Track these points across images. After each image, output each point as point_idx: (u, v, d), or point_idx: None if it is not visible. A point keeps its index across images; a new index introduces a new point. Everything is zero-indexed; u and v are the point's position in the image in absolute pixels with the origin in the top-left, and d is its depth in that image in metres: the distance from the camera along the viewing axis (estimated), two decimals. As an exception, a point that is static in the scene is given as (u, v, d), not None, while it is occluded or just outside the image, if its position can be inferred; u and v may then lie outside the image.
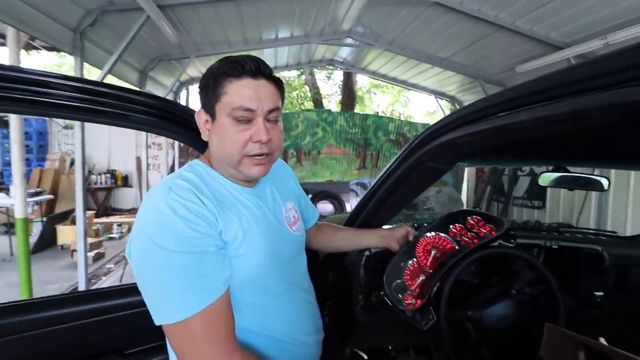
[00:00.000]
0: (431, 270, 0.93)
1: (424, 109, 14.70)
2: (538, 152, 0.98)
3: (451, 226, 0.97)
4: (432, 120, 12.44)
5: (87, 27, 2.89)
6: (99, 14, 2.88)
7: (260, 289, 0.71)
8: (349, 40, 5.46)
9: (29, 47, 3.54)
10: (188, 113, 0.90)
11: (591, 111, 0.44)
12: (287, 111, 7.80)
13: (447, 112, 7.72)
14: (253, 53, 4.49)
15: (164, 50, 4.30)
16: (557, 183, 1.16)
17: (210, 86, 0.66)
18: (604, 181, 1.16)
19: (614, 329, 1.22)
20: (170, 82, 5.32)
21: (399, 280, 0.94)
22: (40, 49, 3.88)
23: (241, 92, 0.64)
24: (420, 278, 0.93)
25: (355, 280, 1.11)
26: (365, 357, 1.28)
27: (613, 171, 3.19)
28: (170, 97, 5.63)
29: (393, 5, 3.97)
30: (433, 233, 0.96)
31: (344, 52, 6.41)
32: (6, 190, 5.80)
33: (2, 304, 0.86)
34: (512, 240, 0.91)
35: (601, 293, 1.06)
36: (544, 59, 3.90)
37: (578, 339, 0.65)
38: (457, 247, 0.94)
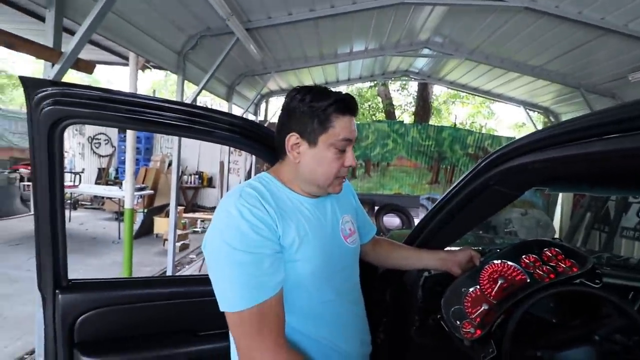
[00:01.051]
0: (495, 301, 0.86)
1: (511, 121, 13.40)
2: (632, 181, 0.85)
3: (524, 256, 0.89)
4: (521, 133, 11.23)
5: (188, 50, 3.38)
6: (198, 38, 3.34)
7: (310, 294, 0.76)
8: (425, 51, 5.31)
9: (144, 67, 4.26)
10: (264, 132, 1.03)
11: None
12: (358, 122, 7.87)
13: (540, 125, 6.91)
14: (328, 67, 4.69)
15: (249, 67, 4.75)
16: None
17: (317, 118, 0.75)
18: None
19: None
20: (253, 95, 5.83)
21: (458, 306, 0.89)
22: (151, 69, 4.63)
23: (345, 126, 0.76)
24: (483, 307, 0.87)
25: (412, 300, 1.09)
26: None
27: None
28: (251, 108, 6.17)
29: (476, 13, 3.75)
30: (501, 261, 0.89)
31: (420, 63, 6.24)
32: (120, 184, 7.01)
33: (108, 279, 1.06)
34: (597, 281, 0.79)
35: None
36: (668, 64, 3.27)
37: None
38: (528, 280, 0.86)
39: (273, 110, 7.74)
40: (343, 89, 9.46)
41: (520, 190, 0.77)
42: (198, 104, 4.49)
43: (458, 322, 0.85)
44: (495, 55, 4.74)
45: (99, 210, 7.48)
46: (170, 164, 7.83)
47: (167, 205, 5.84)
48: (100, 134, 8.41)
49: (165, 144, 8.59)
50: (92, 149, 8.45)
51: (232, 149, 6.64)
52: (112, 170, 8.39)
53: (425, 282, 1.05)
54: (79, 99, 0.86)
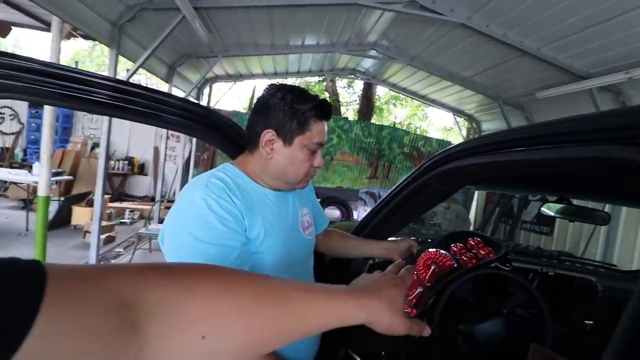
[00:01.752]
0: (429, 284, 0.99)
1: (441, 125, 14.67)
2: (544, 185, 1.04)
3: (452, 245, 1.04)
4: (448, 136, 12.41)
5: (125, 22, 3.06)
6: (138, 10, 3.05)
7: None
8: (372, 53, 5.55)
9: (69, 35, 3.74)
10: (227, 123, 1.01)
11: (591, 160, 0.50)
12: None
13: (464, 130, 7.71)
14: (279, 58, 4.64)
15: (193, 48, 4.47)
16: (560, 213, 1.21)
17: (296, 119, 0.78)
18: (606, 216, 1.20)
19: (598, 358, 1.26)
20: (196, 78, 5.50)
21: None
22: (77, 37, 4.09)
23: (321, 130, 0.81)
24: (418, 289, 0.99)
25: (357, 286, 1.18)
26: (358, 359, 1.34)
27: (624, 208, 3.17)
28: (194, 92, 5.81)
29: (419, 23, 4.05)
30: (435, 249, 1.02)
31: (367, 63, 6.50)
32: (28, 167, 6.07)
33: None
34: (508, 264, 0.97)
35: (591, 322, 1.10)
36: (565, 87, 3.90)
37: (559, 360, 0.71)
38: (455, 265, 1.00)
39: (217, 96, 7.40)
40: (292, 81, 9.39)
41: (456, 189, 0.90)
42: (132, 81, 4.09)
43: None
44: (433, 64, 5.16)
45: (0, 197, 6.42)
46: (93, 147, 7.01)
47: (89, 193, 5.25)
48: (4, 107, 7.15)
49: (88, 124, 7.66)
50: (-8, 124, 7.17)
51: (169, 133, 6.19)
52: (18, 151, 7.22)
53: (370, 269, 1.15)
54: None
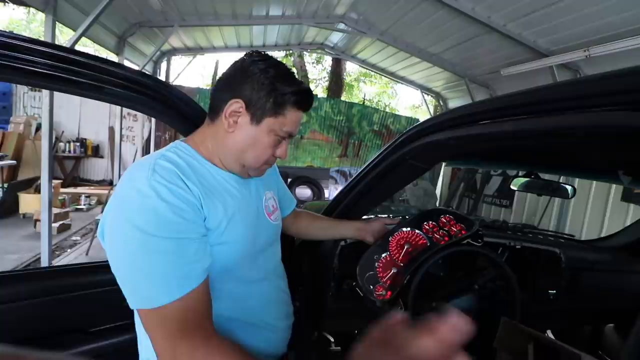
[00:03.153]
0: (402, 264, 0.96)
1: (410, 103, 14.87)
2: (514, 159, 1.03)
3: (424, 223, 1.01)
4: (416, 114, 12.61)
5: (61, -18, 2.69)
6: (75, -32, 2.67)
7: (237, 277, 0.72)
8: (341, 26, 5.37)
9: (-6, -3, 3.24)
10: (179, 96, 0.88)
11: (570, 129, 0.47)
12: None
13: (432, 108, 7.83)
14: (242, 29, 4.35)
15: (145, 16, 4.06)
16: (528, 188, 1.22)
17: (273, 99, 0.67)
18: (570, 189, 1.23)
19: (561, 324, 1.33)
20: (151, 50, 5.06)
21: (371, 272, 0.97)
22: (6, 2, 3.55)
23: (295, 120, 0.72)
24: (392, 271, 0.96)
25: (328, 269, 1.14)
26: (332, 339, 1.33)
27: (577, 180, 3.38)
28: (150, 66, 5.37)
29: (388, -5, 3.93)
30: (407, 229, 0.99)
31: (336, 38, 6.31)
32: (-36, 150, 5.42)
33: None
34: (480, 240, 0.96)
35: (554, 291, 1.14)
36: (528, 64, 4.01)
37: (528, 332, 0.71)
38: (428, 244, 0.98)
39: (177, 71, 6.91)
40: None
41: (430, 165, 0.85)
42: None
43: (371, 287, 0.93)
44: (402, 39, 5.09)
45: None
46: (39, 128, 6.35)
47: (37, 178, 4.78)
48: None
49: (31, 103, 6.91)
50: None
51: (125, 112, 5.73)
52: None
53: (342, 251, 1.10)
54: None
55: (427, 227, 1.02)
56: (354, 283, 1.00)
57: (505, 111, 0.55)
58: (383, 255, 0.99)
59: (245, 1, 4.13)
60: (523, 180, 1.24)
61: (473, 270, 1.02)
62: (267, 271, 0.80)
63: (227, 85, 0.69)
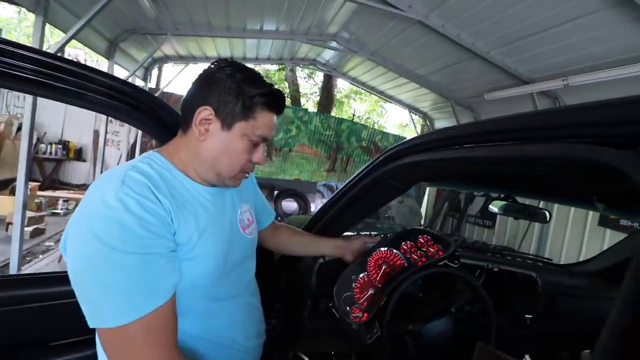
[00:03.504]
0: (380, 285, 0.95)
1: (398, 121, 15.17)
2: (491, 182, 1.05)
3: (403, 243, 1.01)
4: (404, 132, 12.85)
5: (53, -16, 2.67)
6: (69, -28, 2.67)
7: (207, 294, 0.69)
8: (333, 44, 5.49)
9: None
10: (157, 104, 0.86)
11: (543, 158, 0.48)
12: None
13: (419, 127, 8.00)
14: (235, 42, 4.39)
15: (138, 22, 4.06)
16: (505, 211, 1.24)
17: (241, 102, 0.66)
18: (547, 214, 1.26)
19: (539, 349, 1.33)
20: (143, 56, 5.04)
21: (348, 293, 0.95)
22: (-4, -1, 3.50)
23: (268, 123, 0.70)
24: (369, 292, 0.95)
25: (306, 286, 1.12)
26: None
27: (556, 205, 3.48)
28: (140, 72, 5.34)
29: (380, 17, 4.05)
30: (385, 248, 0.99)
31: (328, 55, 6.43)
32: (-64, 148, 5.19)
33: None
34: (457, 262, 0.96)
35: (531, 316, 1.15)
36: (510, 90, 4.17)
37: (504, 358, 0.71)
38: (406, 264, 0.97)
39: (168, 78, 6.88)
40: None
41: (409, 185, 0.86)
42: (65, 56, 3.63)
43: (348, 308, 0.91)
44: (392, 60, 5.24)
45: None
46: (20, 128, 6.16)
47: (14, 179, 4.61)
48: None
49: (14, 102, 6.74)
50: None
51: (112, 117, 5.63)
52: None
53: (320, 269, 1.08)
54: None
55: (405, 247, 1.02)
56: (331, 305, 0.98)
57: (479, 137, 0.56)
58: (361, 275, 0.98)
59: (239, 15, 4.18)
60: (501, 203, 1.26)
61: (450, 293, 1.02)
62: (239, 287, 0.78)
63: (195, 94, 0.69)
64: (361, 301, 0.94)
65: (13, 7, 8.21)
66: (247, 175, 0.75)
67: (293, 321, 1.13)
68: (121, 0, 3.16)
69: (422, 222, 6.50)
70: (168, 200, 0.61)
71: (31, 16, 2.80)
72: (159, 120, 0.89)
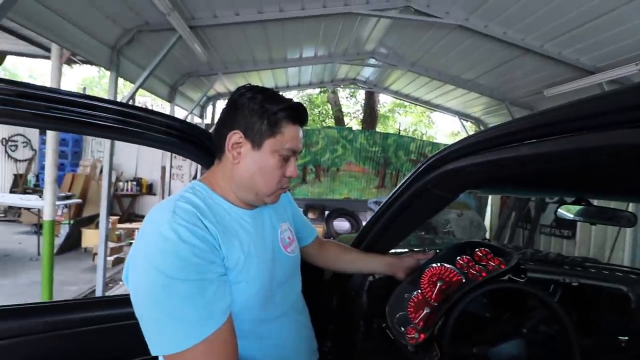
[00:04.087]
0: (436, 303, 0.88)
1: (449, 130, 14.52)
2: (556, 184, 0.93)
3: (458, 257, 0.93)
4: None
5: (123, 44, 3.10)
6: (135, 33, 3.08)
7: (256, 315, 0.71)
8: (372, 61, 5.52)
9: (70, 61, 3.82)
10: (206, 136, 0.94)
11: (616, 147, 0.40)
12: (308, 128, 7.91)
13: (472, 133, 7.56)
14: (278, 72, 4.64)
15: (193, 67, 4.51)
16: (578, 216, 1.09)
17: (267, 120, 0.70)
18: (631, 217, 1.08)
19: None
20: (198, 96, 5.55)
21: (402, 312, 0.90)
22: (80, 63, 4.18)
23: (294, 135, 0.72)
24: (425, 311, 0.89)
25: (357, 306, 1.08)
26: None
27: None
28: (197, 110, 5.87)
29: (416, 28, 4.00)
30: (439, 264, 0.92)
31: (367, 72, 6.48)
32: (40, 192, 6.18)
33: (11, 305, 0.90)
34: (523, 275, 0.86)
35: (626, 337, 0.97)
36: (574, 83, 3.78)
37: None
38: (464, 280, 0.90)
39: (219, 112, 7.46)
40: (293, 94, 9.35)
41: (455, 193, 0.80)
42: (136, 104, 4.14)
43: (402, 329, 0.86)
44: (434, 68, 5.09)
45: (14, 222, 6.51)
46: (102, 170, 7.10)
47: (98, 215, 5.27)
48: (18, 135, 7.35)
49: (97, 148, 7.80)
50: (6, 152, 7.34)
51: (175, 153, 6.23)
52: (31, 177, 7.37)
53: (370, 287, 1.05)
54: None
55: (461, 262, 0.94)
56: (384, 325, 0.93)
57: (523, 134, 0.51)
58: (414, 293, 0.92)
59: (280, 47, 4.44)
60: (571, 208, 1.12)
61: (520, 311, 0.91)
62: (285, 306, 0.78)
63: (223, 123, 0.73)
64: (416, 321, 0.88)
65: (94, 67, 9.69)
66: (284, 190, 0.76)
67: (346, 342, 1.09)
68: (178, 50, 3.55)
69: (487, 235, 5.99)
70: (214, 226, 0.64)
71: (108, 73, 3.27)
72: (205, 149, 0.97)
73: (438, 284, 0.90)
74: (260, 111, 0.69)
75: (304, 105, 0.76)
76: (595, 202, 1.24)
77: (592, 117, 0.43)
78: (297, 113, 0.72)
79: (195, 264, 0.59)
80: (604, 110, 0.42)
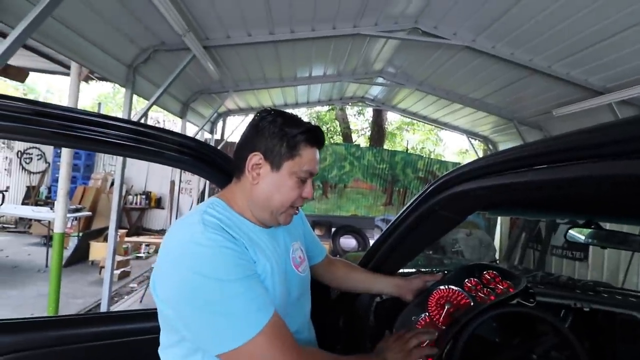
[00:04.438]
0: (444, 327, 0.87)
1: (456, 148, 14.48)
2: (566, 208, 0.93)
3: (466, 280, 0.92)
4: (464, 159, 12.17)
5: (139, 63, 3.22)
6: (151, 52, 3.20)
7: None
8: (380, 80, 5.61)
9: (87, 78, 3.97)
10: (218, 155, 0.97)
11: (630, 176, 0.40)
12: (317, 144, 7.95)
13: (480, 152, 7.53)
14: (287, 90, 4.73)
15: (205, 84, 4.64)
16: (588, 239, 1.08)
17: (286, 143, 0.73)
18: (644, 241, 1.06)
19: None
20: (209, 113, 5.68)
21: None
22: (96, 80, 4.34)
23: (312, 158, 0.75)
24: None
25: (364, 326, 1.07)
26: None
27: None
28: (208, 126, 5.98)
29: (424, 49, 4.08)
30: (446, 286, 0.91)
31: (375, 90, 6.57)
32: (51, 204, 6.29)
33: (15, 320, 0.91)
34: (532, 300, 0.84)
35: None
36: (583, 103, 3.77)
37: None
38: (472, 303, 0.88)
39: (230, 129, 7.60)
40: (302, 111, 9.48)
41: (463, 215, 0.80)
42: (149, 119, 4.25)
43: None
44: (441, 87, 5.14)
45: (24, 234, 6.62)
46: (113, 183, 7.22)
47: (106, 228, 5.32)
48: (32, 148, 7.57)
49: (109, 161, 7.97)
50: (21, 164, 7.55)
51: (184, 167, 6.33)
52: (43, 189, 7.53)
53: (377, 307, 1.03)
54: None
55: (469, 284, 0.93)
56: None
57: (535, 159, 0.51)
58: (422, 315, 0.91)
59: (290, 66, 4.55)
60: (584, 230, 1.10)
61: (530, 336, 0.88)
62: (295, 325, 0.78)
63: (244, 144, 0.76)
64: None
65: (109, 84, 10.02)
66: (297, 211, 0.79)
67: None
68: (191, 69, 3.67)
69: (497, 255, 5.85)
70: (240, 238, 0.68)
71: (122, 89, 3.38)
72: (217, 167, 0.99)
73: (446, 307, 0.89)
74: (281, 134, 0.72)
75: (320, 127, 0.79)
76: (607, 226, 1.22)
77: (605, 145, 0.43)
78: (315, 136, 0.75)
79: (238, 264, 0.63)
80: (619, 138, 0.43)
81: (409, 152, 10.06)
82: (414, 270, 1.32)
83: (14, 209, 5.75)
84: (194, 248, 0.62)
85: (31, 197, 7.23)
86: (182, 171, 6.21)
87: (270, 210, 0.75)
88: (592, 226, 1.05)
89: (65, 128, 0.80)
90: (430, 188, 0.81)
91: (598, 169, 0.44)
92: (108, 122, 0.85)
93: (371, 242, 6.49)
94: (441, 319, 0.88)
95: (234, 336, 0.60)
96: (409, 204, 0.91)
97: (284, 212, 0.76)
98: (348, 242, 6.41)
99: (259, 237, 0.74)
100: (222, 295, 0.60)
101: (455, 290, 0.90)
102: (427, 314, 0.90)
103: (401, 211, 0.94)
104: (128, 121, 0.91)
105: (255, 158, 0.73)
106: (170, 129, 1.00)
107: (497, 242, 6.34)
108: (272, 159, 0.73)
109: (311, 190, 0.77)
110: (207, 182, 6.85)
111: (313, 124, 0.77)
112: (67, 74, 3.34)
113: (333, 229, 6.44)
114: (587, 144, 0.47)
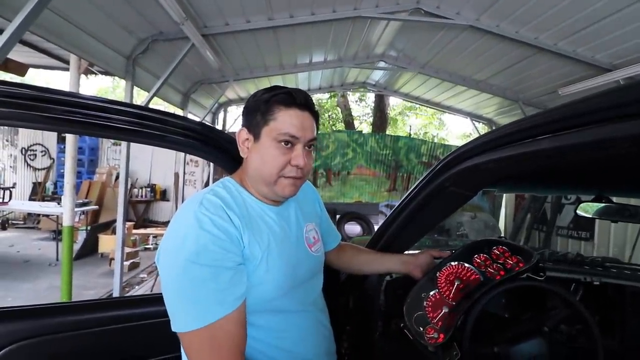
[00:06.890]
0: (454, 303, 0.88)
1: (460, 131, 14.36)
2: (576, 181, 0.92)
3: (475, 256, 0.92)
4: (468, 143, 12.06)
5: (139, 54, 3.19)
6: (150, 42, 3.17)
7: (275, 307, 0.73)
8: (381, 64, 5.53)
9: (87, 72, 3.95)
10: (225, 138, 0.97)
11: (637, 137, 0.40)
12: (319, 132, 7.93)
13: (483, 135, 7.46)
14: (288, 77, 4.68)
15: (205, 74, 4.60)
16: (599, 214, 1.07)
17: (260, 110, 0.72)
18: (655, 214, 1.05)
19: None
20: (210, 103, 5.65)
21: (420, 312, 0.89)
22: (96, 74, 4.31)
23: (289, 120, 0.71)
24: (443, 310, 0.88)
25: (374, 306, 1.08)
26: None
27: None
28: (209, 117, 5.96)
29: (426, 30, 4.00)
30: (456, 262, 0.92)
31: (377, 75, 6.49)
32: (58, 199, 6.36)
33: (34, 305, 0.93)
34: (542, 274, 0.84)
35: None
36: (590, 81, 3.70)
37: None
38: (482, 279, 0.89)
39: (232, 120, 7.57)
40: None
41: (474, 191, 0.80)
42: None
43: (421, 329, 0.85)
44: (444, 69, 5.06)
45: (33, 229, 6.71)
46: (117, 177, 7.27)
47: (114, 221, 5.39)
48: (36, 144, 7.60)
49: (113, 155, 7.99)
50: (26, 161, 7.60)
51: (188, 159, 6.35)
52: (49, 185, 7.60)
53: (387, 287, 1.05)
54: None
55: (478, 260, 0.93)
56: (402, 325, 0.93)
57: (542, 128, 0.51)
58: (432, 292, 0.91)
59: (290, 52, 4.49)
60: (593, 205, 1.10)
61: (541, 310, 0.89)
62: (306, 303, 0.79)
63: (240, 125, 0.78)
64: (435, 321, 0.87)
65: (109, 77, 9.97)
66: (296, 179, 0.74)
67: (364, 343, 1.09)
68: (190, 59, 3.63)
69: (502, 237, 5.86)
70: (238, 218, 0.68)
71: (122, 83, 3.36)
72: (223, 149, 0.99)
73: (456, 283, 0.89)
74: (256, 104, 0.73)
75: (304, 90, 0.76)
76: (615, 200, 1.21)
77: (614, 107, 0.43)
78: (287, 96, 0.71)
79: (212, 251, 0.62)
80: (627, 101, 0.42)
81: (412, 137, 10.00)
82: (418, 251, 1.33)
83: (22, 205, 5.82)
84: (180, 226, 0.64)
85: (38, 193, 7.31)
86: (186, 163, 6.22)
87: (263, 182, 0.73)
88: (602, 201, 1.04)
89: (70, 114, 0.79)
90: (440, 165, 0.80)
91: (605, 132, 0.44)
92: (113, 107, 0.84)
93: (375, 227, 6.53)
94: (451, 295, 0.89)
95: (184, 320, 0.60)
96: (418, 181, 0.91)
97: (277, 182, 0.73)
98: (353, 228, 6.44)
99: (264, 215, 0.74)
100: (186, 276, 0.60)
101: (465, 266, 0.91)
102: (437, 290, 0.90)
103: (411, 189, 0.94)
104: (133, 105, 0.91)
105: (242, 133, 0.75)
106: (174, 113, 0.99)
107: (501, 225, 6.35)
108: (254, 129, 0.73)
109: (301, 156, 0.71)
110: (211, 173, 6.87)
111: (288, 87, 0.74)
112: (67, 69, 3.31)
113: (337, 216, 6.47)
114: (591, 110, 0.47)
